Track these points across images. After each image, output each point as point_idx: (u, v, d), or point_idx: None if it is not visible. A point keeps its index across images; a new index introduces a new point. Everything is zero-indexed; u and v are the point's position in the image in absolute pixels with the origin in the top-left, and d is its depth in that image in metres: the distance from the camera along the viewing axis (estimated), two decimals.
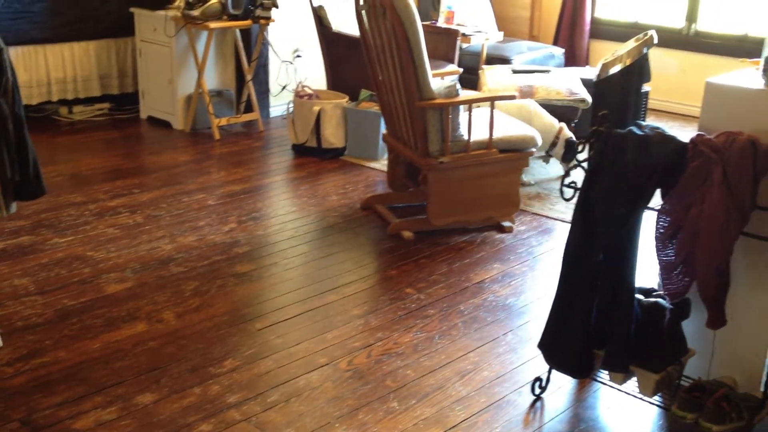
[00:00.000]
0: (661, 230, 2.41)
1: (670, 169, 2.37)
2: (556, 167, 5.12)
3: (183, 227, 4.03)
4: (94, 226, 3.99)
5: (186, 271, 3.56)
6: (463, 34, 5.72)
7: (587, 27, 6.84)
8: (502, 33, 6.26)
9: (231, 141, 5.49)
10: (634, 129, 2.44)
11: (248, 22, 5.44)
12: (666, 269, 2.43)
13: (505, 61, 6.00)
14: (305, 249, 3.86)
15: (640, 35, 2.75)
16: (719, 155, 2.29)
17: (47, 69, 5.55)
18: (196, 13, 5.22)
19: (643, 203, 2.41)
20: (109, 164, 4.93)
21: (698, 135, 2.38)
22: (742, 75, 2.68)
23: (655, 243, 2.45)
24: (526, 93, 4.78)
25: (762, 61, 2.58)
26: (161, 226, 4.02)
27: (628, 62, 2.65)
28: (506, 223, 4.17)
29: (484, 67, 5.30)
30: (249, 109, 5.80)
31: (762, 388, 2.53)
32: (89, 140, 5.39)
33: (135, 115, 5.95)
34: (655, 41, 2.77)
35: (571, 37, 6.88)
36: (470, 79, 5.94)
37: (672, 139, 2.39)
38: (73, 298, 3.29)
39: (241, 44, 5.67)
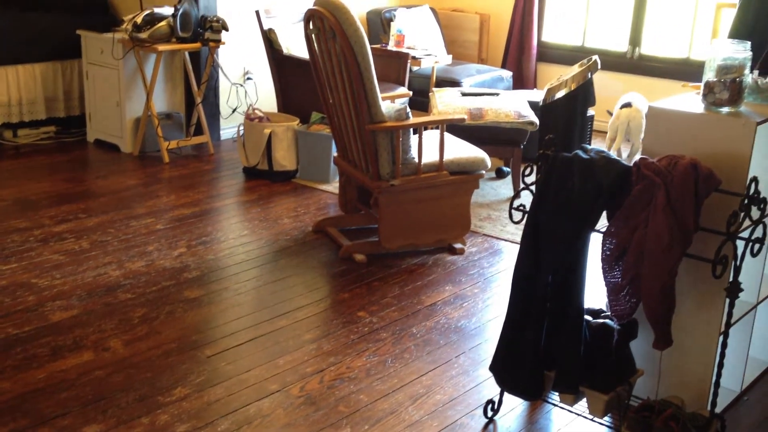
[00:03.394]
0: (608, 252, 2.45)
1: (615, 192, 2.42)
2: (506, 189, 5.18)
3: (131, 252, 3.96)
4: (39, 253, 3.91)
5: (134, 298, 3.50)
6: (413, 57, 5.76)
7: (534, 50, 6.95)
8: (451, 56, 6.32)
9: (181, 164, 5.44)
10: (580, 153, 2.48)
11: (197, 44, 5.41)
12: (613, 291, 2.47)
13: (454, 83, 6.07)
14: (256, 273, 3.83)
15: (584, 60, 2.82)
16: (662, 178, 2.34)
17: None
18: (144, 35, 5.17)
19: (589, 226, 2.45)
20: (54, 189, 4.84)
21: (642, 158, 2.43)
22: (684, 99, 2.75)
23: (601, 265, 2.49)
24: (476, 115, 4.84)
25: (702, 85, 2.65)
26: (108, 252, 3.96)
27: (573, 87, 2.70)
28: (458, 245, 4.20)
29: (434, 89, 5.35)
30: (199, 131, 5.76)
31: (709, 407, 2.57)
32: (34, 164, 5.29)
33: (82, 138, 5.86)
34: (599, 66, 2.84)
35: (519, 60, 6.99)
36: (421, 101, 5.99)
37: (616, 163, 2.44)
38: (17, 327, 3.21)
39: (190, 67, 5.64)
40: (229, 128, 6.03)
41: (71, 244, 4.03)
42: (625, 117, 5.38)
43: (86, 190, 4.86)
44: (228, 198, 4.87)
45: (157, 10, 5.30)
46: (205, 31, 5.38)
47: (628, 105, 5.46)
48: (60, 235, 4.13)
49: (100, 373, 2.92)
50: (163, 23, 5.23)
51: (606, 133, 6.53)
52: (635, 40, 6.64)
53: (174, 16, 5.24)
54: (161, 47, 5.23)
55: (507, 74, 6.64)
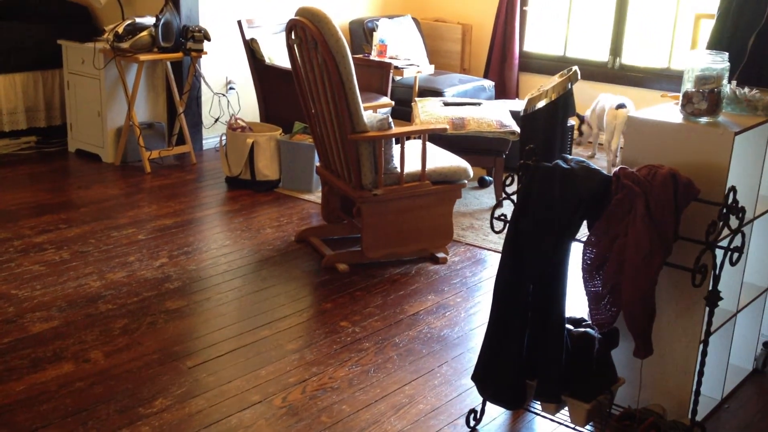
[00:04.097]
0: (588, 261, 2.46)
1: (595, 202, 2.43)
2: (488, 198, 5.20)
3: (112, 263, 3.94)
4: (18, 263, 3.87)
5: (115, 309, 3.48)
6: (396, 67, 5.78)
7: (516, 60, 6.99)
8: (433, 66, 6.35)
9: (163, 174, 5.42)
10: (561, 162, 2.49)
11: (179, 54, 5.40)
12: (594, 300, 2.48)
13: (437, 93, 6.09)
14: (239, 283, 3.82)
15: (565, 71, 2.84)
16: (642, 188, 2.35)
17: None
18: (125, 45, 5.16)
19: (570, 235, 2.46)
20: (35, 199, 4.81)
21: (621, 168, 2.45)
22: (663, 109, 2.78)
23: (582, 274, 2.50)
24: (458, 125, 4.85)
25: (681, 96, 2.67)
26: (89, 263, 3.93)
27: (553, 97, 2.72)
28: (440, 255, 4.20)
29: (416, 99, 5.36)
30: (181, 141, 5.74)
31: (689, 416, 2.59)
32: (15, 174, 5.25)
33: (63, 148, 5.83)
34: (579, 76, 2.85)
35: (501, 70, 7.03)
36: (403, 111, 6.01)
37: (596, 173, 2.45)
38: None
39: (172, 76, 5.62)
40: (212, 138, 6.02)
41: (52, 255, 4.00)
42: (623, 117, 5.57)
43: (67, 201, 4.83)
44: (210, 208, 4.85)
45: (138, 19, 5.29)
46: (187, 41, 5.37)
47: (623, 106, 5.66)
48: (40, 246, 4.10)
49: (80, 384, 2.90)
50: (144, 33, 5.22)
51: (588, 142, 6.58)
52: (616, 50, 6.70)
53: (156, 26, 5.23)
54: (143, 57, 5.21)
55: (489, 84, 6.67)
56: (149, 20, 5.32)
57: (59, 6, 6.04)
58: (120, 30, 5.17)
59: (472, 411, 2.78)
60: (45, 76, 5.77)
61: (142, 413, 2.74)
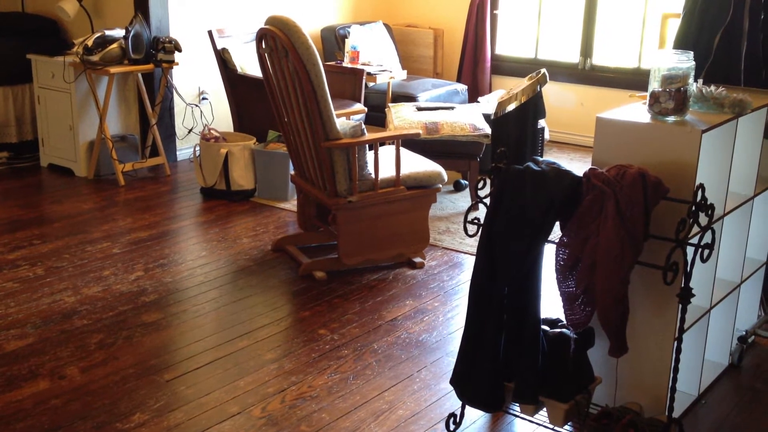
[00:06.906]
0: (561, 262, 2.47)
1: (566, 203, 2.45)
2: (464, 201, 5.22)
3: (87, 278, 3.91)
4: None
5: (90, 324, 3.45)
6: (369, 74, 5.79)
7: (488, 64, 7.03)
8: (406, 71, 6.36)
9: (137, 186, 5.38)
10: (532, 165, 2.51)
11: (150, 66, 5.38)
12: (568, 300, 2.50)
13: (410, 98, 6.10)
14: (216, 294, 3.80)
15: (533, 73, 2.86)
16: (611, 188, 2.38)
17: None
18: (95, 58, 5.13)
19: (542, 237, 2.48)
20: (7, 215, 4.76)
21: (591, 169, 2.47)
22: (631, 109, 2.80)
23: (556, 275, 2.52)
24: (432, 129, 4.87)
25: (648, 95, 2.70)
26: (64, 278, 3.90)
27: (523, 100, 2.74)
28: (417, 259, 4.21)
29: (390, 105, 5.37)
30: (155, 153, 5.71)
31: (666, 412, 2.61)
32: None
33: (35, 163, 5.78)
34: (548, 79, 2.87)
35: (474, 73, 7.06)
36: (377, 117, 6.02)
37: (567, 174, 2.47)
38: None
39: (144, 88, 5.59)
40: (186, 149, 5.99)
41: (25, 272, 3.96)
42: None
43: (40, 216, 4.79)
44: (186, 219, 4.83)
45: (108, 32, 5.26)
46: (157, 52, 5.35)
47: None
48: (14, 263, 4.06)
49: (56, 401, 2.87)
50: (114, 45, 5.19)
51: (561, 143, 6.63)
52: (586, 51, 6.75)
53: (125, 38, 5.21)
54: (113, 69, 5.18)
55: (462, 88, 6.70)
56: (119, 32, 5.29)
57: (27, 20, 5.99)
58: (89, 43, 5.14)
59: (452, 415, 2.78)
60: (15, 91, 5.72)
61: (119, 428, 2.72)
